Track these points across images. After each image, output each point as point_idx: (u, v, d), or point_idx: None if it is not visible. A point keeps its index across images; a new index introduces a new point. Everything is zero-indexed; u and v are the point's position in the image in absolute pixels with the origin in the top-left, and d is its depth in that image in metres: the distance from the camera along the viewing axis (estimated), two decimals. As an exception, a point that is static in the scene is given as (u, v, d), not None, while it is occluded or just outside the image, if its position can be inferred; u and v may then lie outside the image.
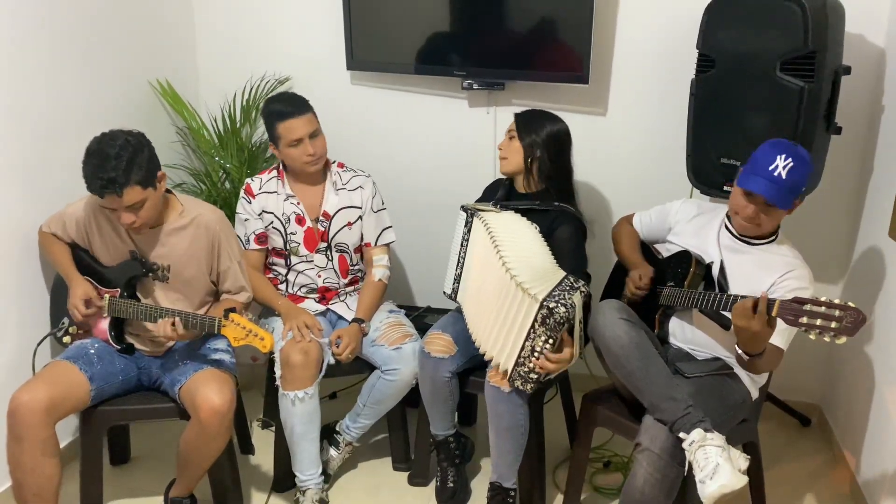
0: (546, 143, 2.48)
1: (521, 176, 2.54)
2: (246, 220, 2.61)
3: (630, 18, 2.84)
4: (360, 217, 2.66)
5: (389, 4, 2.99)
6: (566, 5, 2.76)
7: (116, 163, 2.05)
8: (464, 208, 2.47)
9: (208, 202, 2.98)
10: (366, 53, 3.06)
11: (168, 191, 2.34)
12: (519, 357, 2.22)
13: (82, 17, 2.62)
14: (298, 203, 2.60)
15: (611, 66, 2.90)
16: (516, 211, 2.47)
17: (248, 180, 2.64)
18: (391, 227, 2.73)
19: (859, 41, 2.60)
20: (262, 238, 2.62)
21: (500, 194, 2.58)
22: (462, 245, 2.46)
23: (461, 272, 2.46)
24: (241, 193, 2.63)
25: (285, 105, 2.49)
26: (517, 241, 2.34)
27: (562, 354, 2.19)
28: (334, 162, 2.68)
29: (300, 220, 2.61)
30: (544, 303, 2.13)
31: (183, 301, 2.35)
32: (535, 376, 2.23)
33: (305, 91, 3.06)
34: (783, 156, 2.05)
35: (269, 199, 2.61)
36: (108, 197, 2.09)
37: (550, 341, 2.18)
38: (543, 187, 2.51)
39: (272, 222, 2.61)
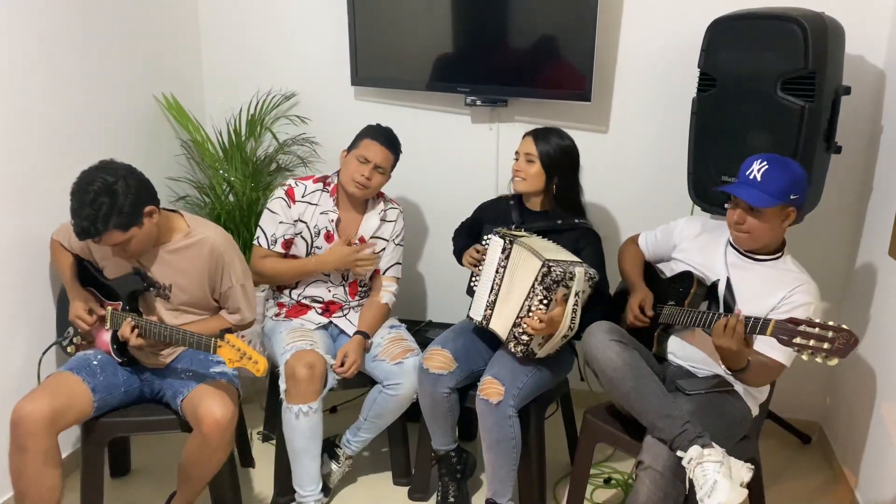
0: (564, 164, 2.51)
1: (536, 196, 2.55)
2: (281, 221, 2.61)
3: (632, 37, 2.87)
4: (384, 249, 2.70)
5: (394, 21, 3.02)
6: (569, 24, 2.79)
7: (91, 211, 2.01)
8: (500, 235, 2.44)
9: (212, 215, 3.02)
10: (370, 69, 3.09)
11: (176, 211, 2.34)
12: (517, 317, 2.31)
13: (89, 30, 2.64)
14: (333, 221, 2.62)
15: (613, 84, 2.93)
16: (539, 232, 2.49)
17: (291, 183, 2.64)
18: (401, 264, 2.76)
19: (859, 62, 2.63)
20: (288, 244, 2.64)
21: (516, 217, 2.58)
22: (497, 272, 2.43)
23: (496, 298, 2.43)
24: (282, 193, 2.62)
25: (382, 133, 2.61)
26: (552, 247, 2.39)
27: (550, 312, 2.24)
28: (380, 196, 2.72)
29: (328, 237, 2.63)
30: (546, 262, 2.24)
31: (184, 316, 2.35)
32: (527, 338, 2.30)
33: (310, 106, 3.11)
34: (759, 160, 2.11)
35: (307, 210, 2.62)
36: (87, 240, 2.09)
37: (545, 302, 2.25)
38: (556, 204, 2.55)
39: (302, 232, 2.63)
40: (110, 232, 2.06)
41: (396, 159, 2.65)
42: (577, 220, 2.53)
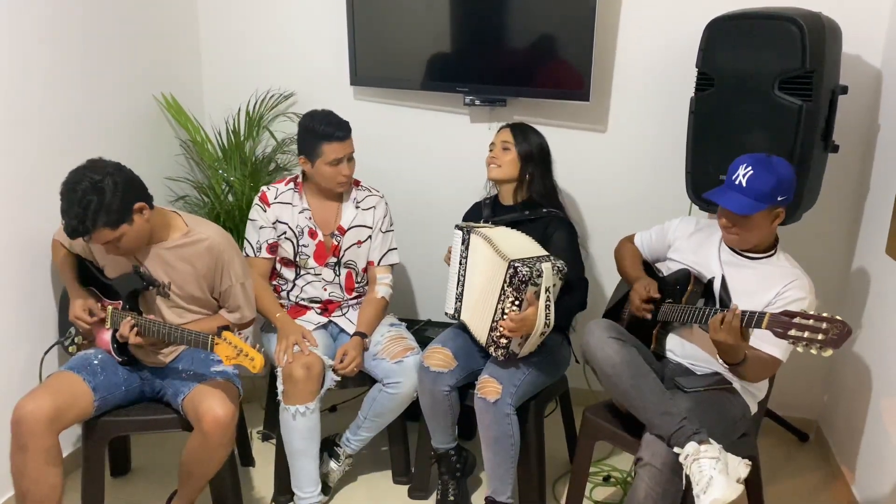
0: (539, 158, 2.59)
1: (510, 186, 2.61)
2: (261, 227, 2.64)
3: (631, 37, 2.88)
4: (370, 237, 2.70)
5: (393, 21, 3.02)
6: (568, 23, 2.80)
7: (79, 210, 2.01)
8: (458, 227, 2.51)
9: (211, 214, 3.02)
10: (369, 69, 3.09)
11: (174, 211, 2.34)
12: (492, 321, 2.32)
13: (88, 31, 2.65)
14: (310, 218, 2.64)
15: (611, 83, 2.94)
16: (507, 225, 2.53)
17: (263, 188, 2.68)
18: (396, 249, 2.78)
19: (856, 62, 2.64)
20: (273, 248, 2.65)
21: (487, 213, 2.64)
22: (461, 263, 2.49)
23: (462, 290, 2.49)
24: (256, 200, 2.66)
25: (334, 128, 2.53)
26: (514, 241, 2.40)
27: (521, 313, 2.25)
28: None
29: (312, 234, 2.64)
30: (512, 262, 2.24)
31: (186, 315, 2.36)
32: (505, 341, 2.31)
33: (309, 105, 3.09)
34: (744, 164, 2.10)
35: (283, 210, 2.64)
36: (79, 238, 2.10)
37: (517, 303, 2.26)
38: (528, 197, 2.60)
39: (285, 232, 2.64)
40: (99, 230, 2.07)
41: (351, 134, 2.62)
42: (545, 210, 2.56)
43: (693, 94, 2.55)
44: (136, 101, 2.95)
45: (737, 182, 2.10)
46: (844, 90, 2.41)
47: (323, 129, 2.52)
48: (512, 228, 2.50)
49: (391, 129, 3.18)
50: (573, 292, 2.46)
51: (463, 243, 2.48)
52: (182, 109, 3.10)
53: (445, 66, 3.01)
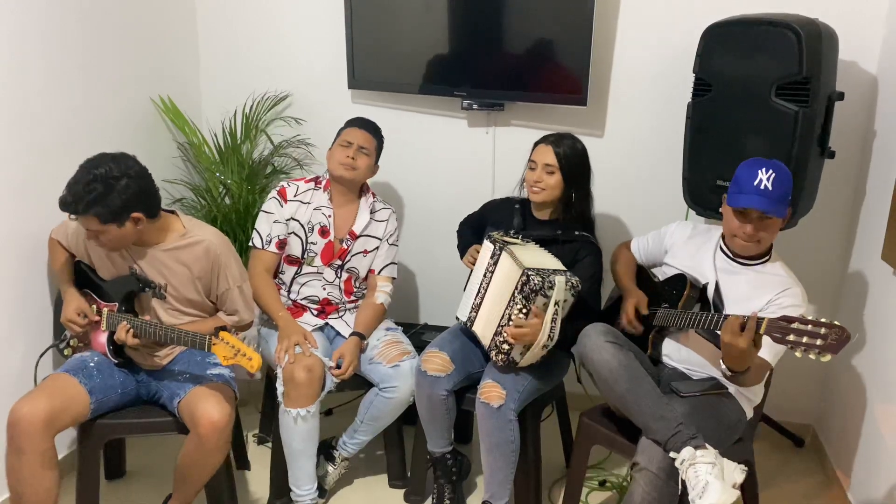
0: (581, 171, 2.49)
1: (548, 206, 2.52)
2: (276, 221, 2.65)
3: (628, 42, 2.88)
4: (377, 248, 2.72)
5: (391, 24, 3.02)
6: (565, 28, 2.81)
7: (80, 190, 2.03)
8: (492, 240, 2.45)
9: (208, 217, 3.02)
10: (367, 72, 3.09)
11: (173, 212, 2.35)
12: (498, 326, 2.31)
13: (86, 33, 2.65)
14: (329, 216, 2.65)
15: (609, 88, 2.94)
16: (537, 241, 2.48)
17: (283, 184, 2.70)
18: (396, 264, 2.79)
19: (852, 68, 2.65)
20: (282, 244, 2.66)
21: (518, 222, 2.55)
22: (485, 276, 2.45)
23: (481, 302, 2.45)
24: (274, 194, 2.67)
25: (361, 121, 2.72)
26: (539, 258, 2.35)
27: (526, 321, 2.23)
28: (369, 191, 2.77)
29: (323, 233, 2.65)
30: (526, 270, 2.22)
31: (182, 318, 2.35)
32: (507, 346, 2.29)
33: (306, 108, 3.12)
34: (764, 169, 2.09)
35: (299, 208, 2.66)
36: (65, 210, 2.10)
37: (524, 311, 2.25)
38: (564, 216, 2.51)
39: (295, 230, 2.65)
40: (88, 217, 2.08)
41: (380, 144, 2.72)
42: (577, 233, 2.50)
43: (690, 100, 2.55)
44: (134, 104, 2.94)
45: (762, 187, 2.08)
46: (841, 96, 2.42)
47: (352, 119, 2.72)
48: (541, 246, 2.44)
49: (389, 132, 3.16)
50: (582, 318, 2.33)
51: (492, 258, 2.42)
52: (179, 112, 3.10)
53: (443, 70, 3.01)
